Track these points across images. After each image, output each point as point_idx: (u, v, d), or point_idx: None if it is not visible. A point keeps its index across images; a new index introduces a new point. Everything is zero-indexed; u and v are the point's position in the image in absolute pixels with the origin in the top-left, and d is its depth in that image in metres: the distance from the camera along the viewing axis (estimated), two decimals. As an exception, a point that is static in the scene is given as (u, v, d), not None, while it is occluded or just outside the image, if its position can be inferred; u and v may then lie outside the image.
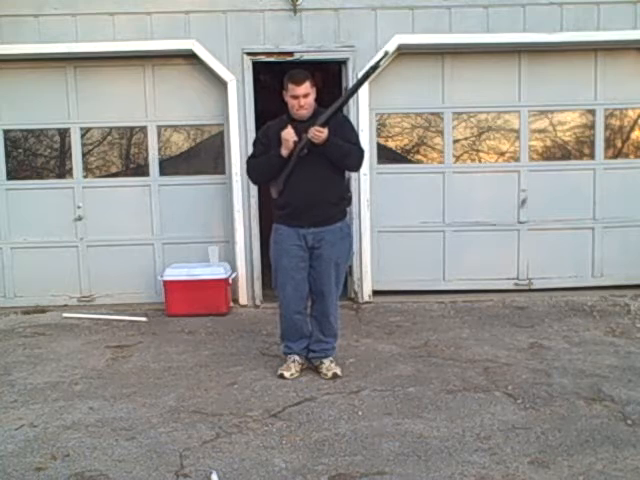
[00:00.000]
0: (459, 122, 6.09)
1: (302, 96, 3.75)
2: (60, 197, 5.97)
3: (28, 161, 6.21)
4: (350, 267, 5.78)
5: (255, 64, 5.69)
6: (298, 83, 3.75)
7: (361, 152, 3.93)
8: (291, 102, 3.80)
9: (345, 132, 3.85)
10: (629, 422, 3.22)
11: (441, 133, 6.04)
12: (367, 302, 5.87)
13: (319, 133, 3.66)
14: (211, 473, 2.77)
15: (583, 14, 5.66)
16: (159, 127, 5.99)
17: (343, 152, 3.79)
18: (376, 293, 5.95)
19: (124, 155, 6.21)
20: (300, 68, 4.07)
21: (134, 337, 4.97)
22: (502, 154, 6.17)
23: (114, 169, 6.21)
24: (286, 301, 3.96)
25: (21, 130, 6.05)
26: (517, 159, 6.07)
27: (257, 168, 3.98)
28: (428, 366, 4.12)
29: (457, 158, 6.12)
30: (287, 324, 4.00)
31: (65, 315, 5.62)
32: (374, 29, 5.64)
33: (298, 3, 5.57)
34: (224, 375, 4.05)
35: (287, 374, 3.93)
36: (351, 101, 5.69)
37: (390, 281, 6.01)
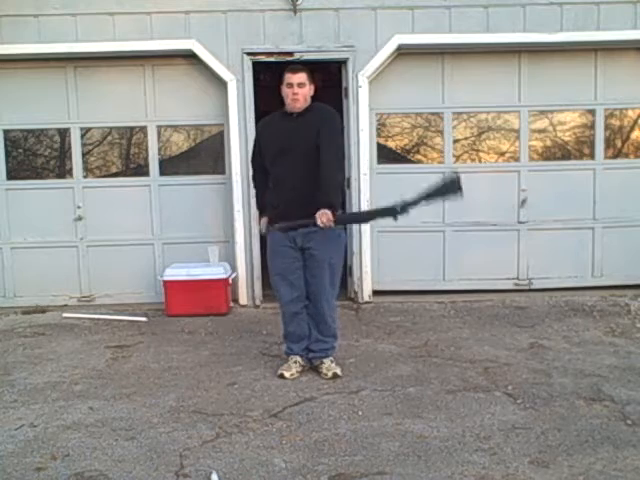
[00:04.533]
0: (459, 122, 6.09)
1: (296, 85, 3.74)
2: (60, 197, 5.97)
3: (28, 161, 6.21)
4: (350, 267, 5.79)
5: (255, 64, 5.69)
6: (294, 72, 3.78)
7: (333, 166, 3.72)
8: (285, 91, 3.79)
9: (323, 133, 3.69)
10: (629, 422, 3.21)
11: (441, 133, 6.04)
12: (367, 302, 5.86)
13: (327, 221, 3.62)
14: (211, 473, 2.76)
15: (583, 14, 5.66)
16: (159, 127, 6.00)
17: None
18: (376, 293, 5.95)
19: (124, 155, 6.21)
20: (300, 67, 4.06)
21: (134, 337, 4.97)
22: (502, 154, 6.17)
23: (114, 169, 6.21)
24: (283, 302, 3.97)
25: (21, 130, 6.06)
26: (517, 159, 6.07)
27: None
28: (428, 366, 4.12)
29: (457, 158, 6.11)
30: (287, 325, 4.01)
31: (65, 315, 5.62)
32: (374, 29, 5.64)
33: (298, 3, 5.57)
34: (224, 375, 4.05)
35: (287, 374, 3.93)
36: (351, 100, 5.71)
37: (390, 281, 6.01)
